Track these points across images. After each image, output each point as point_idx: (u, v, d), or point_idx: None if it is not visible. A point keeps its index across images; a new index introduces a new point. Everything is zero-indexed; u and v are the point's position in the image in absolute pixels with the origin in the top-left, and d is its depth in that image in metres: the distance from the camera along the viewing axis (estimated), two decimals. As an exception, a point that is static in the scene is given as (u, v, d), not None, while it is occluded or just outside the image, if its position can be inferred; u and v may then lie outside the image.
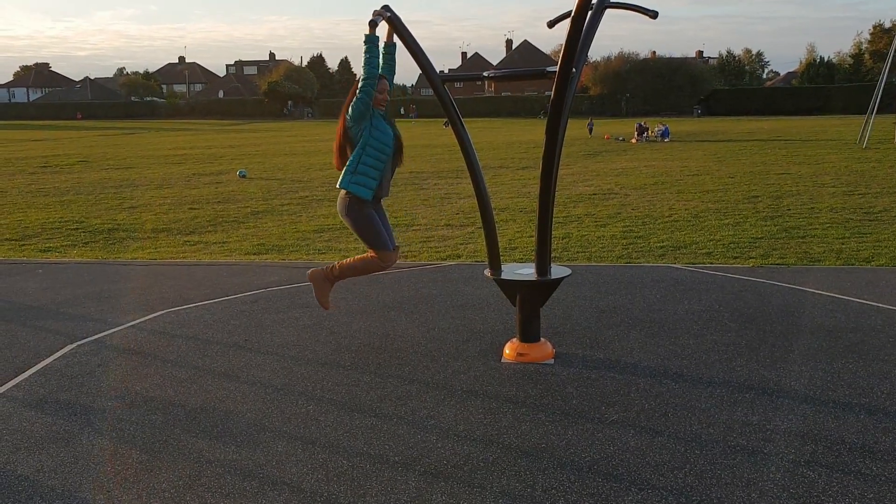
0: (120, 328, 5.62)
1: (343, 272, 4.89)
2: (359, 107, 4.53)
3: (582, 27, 4.10)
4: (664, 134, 28.50)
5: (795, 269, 7.26)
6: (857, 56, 70.02)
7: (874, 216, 10.16)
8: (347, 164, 4.66)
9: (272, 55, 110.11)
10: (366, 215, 4.68)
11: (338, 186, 4.68)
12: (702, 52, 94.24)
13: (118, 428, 3.90)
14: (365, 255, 4.85)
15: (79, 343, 5.28)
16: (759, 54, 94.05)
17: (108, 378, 4.61)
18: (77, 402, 4.25)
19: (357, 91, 4.54)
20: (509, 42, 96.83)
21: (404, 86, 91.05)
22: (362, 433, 3.79)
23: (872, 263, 7.45)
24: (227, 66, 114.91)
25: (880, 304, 5.85)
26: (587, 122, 34.94)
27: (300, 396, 4.27)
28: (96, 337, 5.42)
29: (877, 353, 4.77)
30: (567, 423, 3.85)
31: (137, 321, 5.79)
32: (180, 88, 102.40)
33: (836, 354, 4.75)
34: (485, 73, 5.41)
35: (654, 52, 71.98)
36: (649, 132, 29.05)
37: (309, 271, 4.99)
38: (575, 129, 35.34)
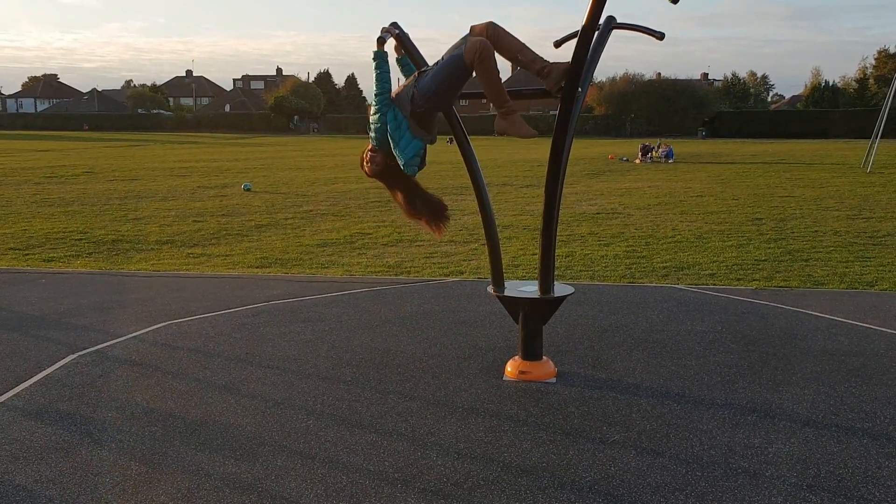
0: (122, 339, 5.62)
1: (499, 99, 4.23)
2: (381, 130, 4.31)
3: (588, 47, 4.12)
4: (668, 155, 28.55)
5: (798, 291, 7.24)
6: (862, 81, 70.23)
7: (878, 240, 10.15)
8: (398, 156, 4.35)
9: (279, 70, 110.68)
10: (423, 84, 4.18)
11: (412, 173, 4.34)
12: (707, 74, 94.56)
13: (118, 439, 3.89)
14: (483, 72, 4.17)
15: (80, 353, 5.28)
16: (765, 77, 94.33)
17: (109, 389, 4.61)
18: (77, 412, 4.25)
19: (372, 114, 4.37)
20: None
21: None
22: (362, 449, 3.77)
23: (876, 287, 7.43)
24: (234, 80, 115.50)
25: (884, 329, 5.83)
26: (640, 144, 33.09)
27: (300, 411, 4.26)
28: (98, 347, 5.42)
29: (880, 377, 4.75)
30: (568, 443, 3.83)
31: (139, 332, 5.79)
32: (187, 102, 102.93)
33: (838, 378, 4.73)
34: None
35: (660, 74, 72.19)
36: (653, 153, 29.11)
37: (496, 126, 4.34)
38: (579, 148, 35.39)
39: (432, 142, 4.48)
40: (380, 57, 4.48)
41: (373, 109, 4.46)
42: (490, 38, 4.20)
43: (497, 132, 4.35)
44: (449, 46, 4.46)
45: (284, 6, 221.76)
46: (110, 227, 11.67)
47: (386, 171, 4.48)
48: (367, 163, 4.49)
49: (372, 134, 4.46)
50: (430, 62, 4.84)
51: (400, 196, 4.53)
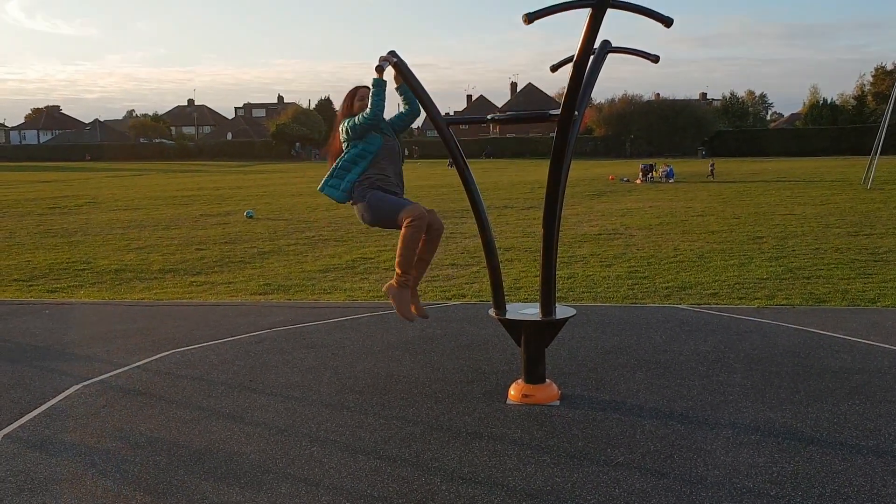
0: (125, 369, 5.63)
1: (403, 265, 4.67)
2: (356, 129, 4.71)
3: (584, 71, 4.17)
4: (668, 175, 28.65)
5: (801, 309, 7.24)
6: (860, 98, 70.57)
7: (879, 257, 10.16)
8: (331, 181, 4.84)
9: (280, 98, 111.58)
10: (375, 198, 4.69)
11: (318, 190, 4.89)
12: (705, 93, 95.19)
13: (122, 469, 3.89)
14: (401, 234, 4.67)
15: (84, 384, 5.29)
16: (763, 96, 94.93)
17: (113, 419, 4.61)
18: (81, 443, 4.25)
19: (358, 118, 4.72)
20: (514, 85, 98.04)
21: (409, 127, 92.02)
22: (366, 475, 3.77)
23: (878, 304, 7.43)
24: (236, 108, 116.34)
25: (886, 346, 5.83)
26: (710, 163, 32.84)
27: (304, 438, 4.26)
28: (102, 377, 5.43)
29: (884, 394, 4.74)
30: (572, 466, 3.83)
31: (143, 361, 5.80)
32: (189, 130, 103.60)
33: (842, 396, 4.72)
34: (489, 116, 5.47)
35: (658, 94, 72.79)
36: (654, 173, 29.22)
37: (384, 287, 4.86)
38: (579, 170, 35.53)
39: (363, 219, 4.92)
40: (377, 85, 4.65)
41: (358, 118, 4.73)
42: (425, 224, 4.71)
43: (383, 290, 4.89)
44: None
45: (285, 35, 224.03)
46: (113, 256, 11.71)
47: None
48: (357, 99, 4.83)
49: (345, 127, 4.76)
50: (428, 87, 4.94)
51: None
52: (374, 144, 4.74)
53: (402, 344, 6.14)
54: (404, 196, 4.88)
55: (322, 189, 4.83)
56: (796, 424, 4.28)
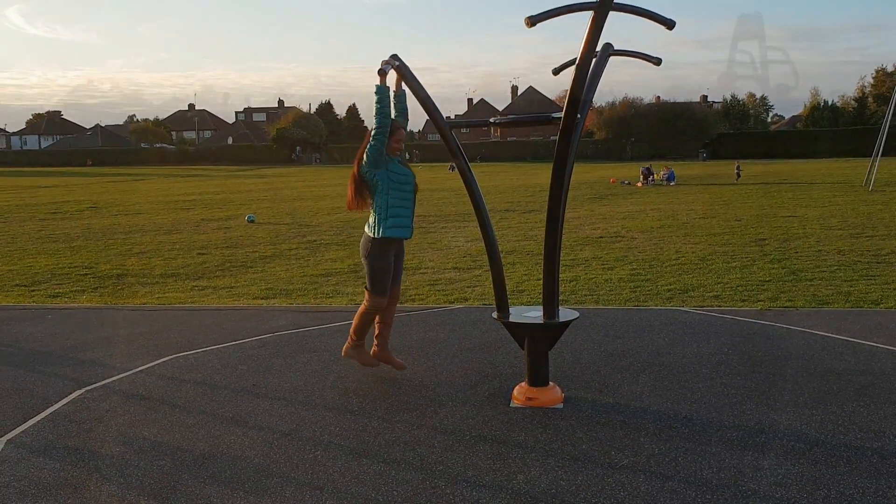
0: (128, 373, 5.63)
1: (358, 332, 5.19)
2: (372, 154, 4.78)
3: (586, 75, 4.18)
4: (670, 178, 28.64)
5: (804, 311, 7.24)
6: (861, 100, 70.61)
7: (882, 259, 10.15)
8: (376, 211, 4.87)
9: (281, 102, 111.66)
10: (383, 264, 4.94)
11: (376, 237, 4.89)
12: (706, 96, 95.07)
13: (126, 474, 3.89)
14: (360, 308, 5.18)
15: (87, 388, 5.28)
16: (763, 98, 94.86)
17: (117, 423, 4.61)
18: (85, 447, 4.25)
19: (370, 139, 4.73)
20: (515, 88, 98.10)
21: (410, 131, 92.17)
22: (370, 479, 3.77)
23: (881, 306, 7.42)
24: (237, 112, 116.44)
25: (890, 347, 5.82)
26: (735, 165, 32.34)
27: (308, 442, 4.26)
28: (105, 382, 5.42)
29: (887, 396, 4.73)
30: (577, 469, 3.82)
31: (146, 366, 5.80)
32: (190, 135, 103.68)
33: (846, 398, 4.71)
34: (491, 120, 5.49)
35: (659, 97, 72.74)
36: (655, 176, 29.21)
37: (342, 352, 5.37)
38: (580, 173, 35.53)
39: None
40: (381, 91, 4.66)
41: (371, 141, 4.70)
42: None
43: (343, 355, 5.40)
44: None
45: (285, 39, 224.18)
46: (115, 261, 11.71)
47: (359, 174, 4.95)
48: (397, 142, 4.90)
49: (366, 160, 4.83)
50: (428, 91, 4.96)
51: (354, 181, 5.01)
52: (410, 181, 4.94)
53: (406, 347, 6.14)
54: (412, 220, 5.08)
55: (385, 234, 4.85)
56: (800, 426, 4.28)
